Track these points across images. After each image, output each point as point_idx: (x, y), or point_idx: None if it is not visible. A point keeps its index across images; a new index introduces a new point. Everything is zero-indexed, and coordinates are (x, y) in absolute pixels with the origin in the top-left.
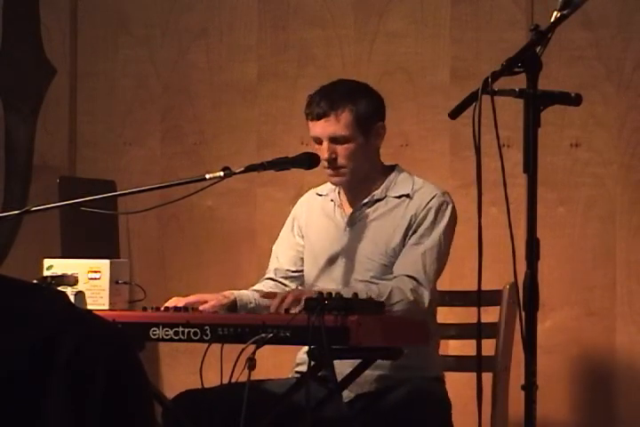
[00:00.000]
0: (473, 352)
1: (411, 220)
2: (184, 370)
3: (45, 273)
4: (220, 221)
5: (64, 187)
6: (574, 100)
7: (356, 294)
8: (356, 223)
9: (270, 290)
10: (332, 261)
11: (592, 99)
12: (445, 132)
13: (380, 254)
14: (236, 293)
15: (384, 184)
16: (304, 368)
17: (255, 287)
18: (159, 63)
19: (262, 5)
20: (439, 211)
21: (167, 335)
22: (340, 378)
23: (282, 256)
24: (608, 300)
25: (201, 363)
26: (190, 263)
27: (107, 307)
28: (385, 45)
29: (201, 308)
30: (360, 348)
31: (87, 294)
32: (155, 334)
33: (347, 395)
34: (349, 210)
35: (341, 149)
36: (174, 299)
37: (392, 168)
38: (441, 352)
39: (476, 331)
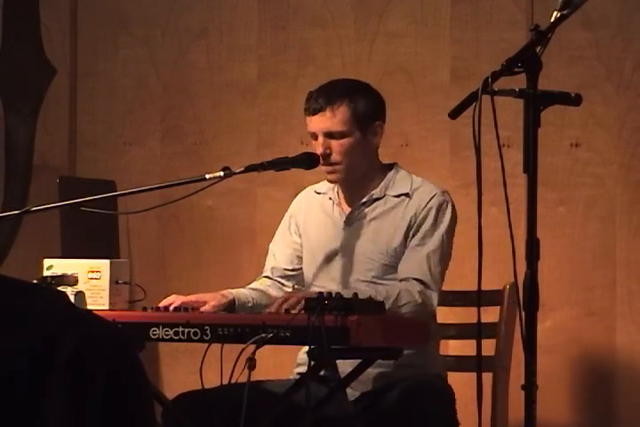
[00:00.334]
0: (473, 352)
1: (411, 220)
2: (184, 370)
3: (45, 273)
4: (219, 221)
5: (64, 187)
6: (574, 100)
7: (356, 294)
8: (354, 222)
9: (267, 288)
10: (330, 259)
11: (592, 99)
12: (445, 133)
13: (381, 254)
14: (234, 292)
15: (383, 183)
16: (304, 368)
17: (252, 286)
18: (159, 63)
19: (262, 5)
20: (439, 211)
21: (167, 335)
22: (343, 374)
23: (278, 255)
24: (608, 300)
25: (201, 363)
26: (190, 263)
27: (107, 307)
28: (385, 45)
29: (202, 309)
30: (360, 348)
31: (87, 294)
32: (155, 334)
33: (351, 393)
34: (348, 209)
35: (336, 145)
36: (173, 296)
37: (390, 167)
38: (441, 352)
39: (476, 331)
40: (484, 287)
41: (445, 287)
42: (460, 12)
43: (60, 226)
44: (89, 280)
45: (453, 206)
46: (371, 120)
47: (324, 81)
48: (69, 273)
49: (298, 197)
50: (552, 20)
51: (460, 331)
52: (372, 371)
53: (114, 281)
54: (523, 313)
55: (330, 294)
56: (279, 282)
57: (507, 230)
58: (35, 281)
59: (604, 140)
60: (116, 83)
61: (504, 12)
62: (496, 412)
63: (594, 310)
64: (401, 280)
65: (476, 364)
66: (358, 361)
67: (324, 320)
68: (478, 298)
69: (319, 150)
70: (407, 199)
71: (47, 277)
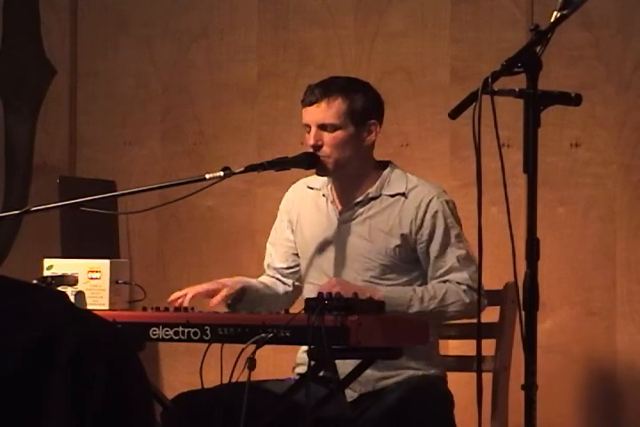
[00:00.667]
0: (473, 352)
1: (412, 223)
2: (184, 370)
3: (45, 273)
4: (219, 221)
5: (64, 187)
6: (574, 100)
7: (356, 294)
8: (350, 221)
9: (269, 282)
10: (325, 257)
11: (592, 99)
12: (445, 132)
13: (379, 254)
14: (245, 279)
15: (378, 182)
16: (304, 368)
17: (260, 279)
18: (159, 63)
19: (262, 5)
20: (445, 214)
21: (167, 335)
22: (341, 378)
23: (274, 253)
24: (608, 300)
25: (201, 363)
26: (190, 263)
27: (107, 307)
28: (385, 45)
29: (214, 300)
30: (360, 348)
31: (87, 294)
32: (155, 334)
33: (350, 395)
34: (342, 207)
35: (328, 138)
36: (186, 289)
37: (385, 165)
38: (441, 352)
39: (476, 331)
40: (484, 287)
41: None
42: (459, 11)
43: (60, 226)
44: (89, 280)
45: (453, 203)
46: (366, 117)
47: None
48: (69, 273)
49: (289, 192)
50: (552, 20)
51: (460, 331)
52: (370, 372)
53: (114, 281)
54: (523, 313)
55: (330, 294)
56: (279, 280)
57: (507, 230)
58: (35, 281)
59: (604, 140)
60: (116, 83)
61: (504, 12)
62: (496, 412)
63: (594, 310)
64: (443, 281)
65: (476, 364)
66: (358, 361)
67: (324, 320)
68: (478, 298)
69: (310, 142)
70: (403, 199)
71: (47, 277)
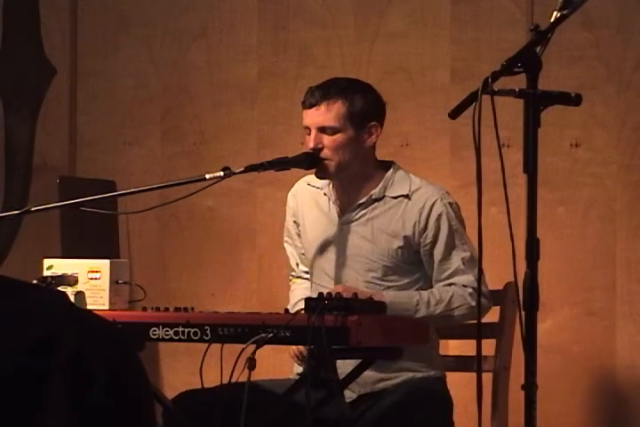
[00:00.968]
0: (473, 352)
1: (414, 226)
2: (184, 370)
3: (45, 273)
4: (219, 221)
5: (64, 187)
6: (574, 100)
7: (356, 294)
8: (352, 222)
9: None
10: (327, 257)
11: (592, 99)
12: (445, 132)
13: (381, 255)
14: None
15: (381, 184)
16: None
17: (303, 291)
18: (159, 63)
19: (262, 5)
20: (450, 216)
21: (167, 335)
22: (341, 378)
23: (292, 256)
24: (608, 300)
25: (201, 363)
26: (190, 263)
27: (107, 307)
28: (385, 45)
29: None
30: (360, 348)
31: (87, 293)
32: (155, 334)
33: (349, 395)
34: (344, 207)
35: (328, 141)
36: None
37: (388, 166)
38: (441, 352)
39: (476, 331)
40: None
41: None
42: (459, 12)
43: (60, 226)
44: (89, 280)
45: (457, 205)
46: (366, 120)
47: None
48: (69, 273)
49: (292, 191)
50: (552, 20)
51: (460, 331)
52: (370, 373)
53: (114, 281)
54: (523, 313)
55: (330, 293)
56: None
57: (507, 230)
58: (35, 281)
59: (604, 141)
60: (116, 83)
61: (504, 11)
62: (496, 412)
63: (594, 310)
64: (448, 284)
65: (476, 364)
66: (358, 362)
67: (324, 320)
68: (478, 298)
69: (310, 144)
70: (406, 201)
71: (47, 277)
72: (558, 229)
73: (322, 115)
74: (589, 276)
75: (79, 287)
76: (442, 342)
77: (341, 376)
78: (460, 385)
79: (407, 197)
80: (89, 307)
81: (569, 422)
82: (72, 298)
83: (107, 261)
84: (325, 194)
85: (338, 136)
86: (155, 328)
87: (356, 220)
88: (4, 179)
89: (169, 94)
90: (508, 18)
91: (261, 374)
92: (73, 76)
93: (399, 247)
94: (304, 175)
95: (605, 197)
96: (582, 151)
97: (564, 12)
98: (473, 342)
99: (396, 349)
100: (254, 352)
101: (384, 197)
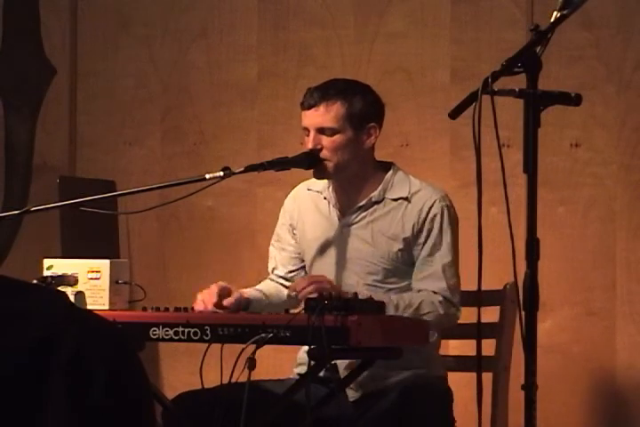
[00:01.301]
0: (473, 352)
1: (413, 227)
2: (184, 370)
3: (45, 273)
4: (219, 221)
5: (64, 187)
6: (574, 100)
7: (356, 294)
8: (353, 224)
9: (271, 290)
10: (328, 260)
11: (592, 99)
12: (445, 132)
13: (382, 258)
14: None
15: (381, 186)
16: (304, 368)
17: (258, 287)
18: (159, 63)
19: (262, 5)
20: (443, 218)
21: (167, 335)
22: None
23: (278, 257)
24: (608, 300)
25: (201, 363)
26: (190, 263)
27: (107, 307)
28: (385, 45)
29: (225, 302)
30: (360, 348)
31: (87, 293)
32: (155, 334)
33: (352, 395)
34: (344, 210)
35: (327, 142)
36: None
37: (387, 167)
38: (441, 352)
39: (476, 331)
40: (483, 287)
41: None
42: (459, 12)
43: (60, 226)
44: (89, 280)
45: (454, 210)
46: (364, 121)
47: (324, 81)
48: (69, 273)
49: (291, 195)
50: (552, 20)
51: (460, 331)
52: (371, 372)
53: (114, 281)
54: (523, 313)
55: (330, 294)
56: (282, 284)
57: (507, 230)
58: (35, 281)
59: (604, 141)
60: (116, 83)
61: (504, 11)
62: (496, 412)
63: (594, 310)
64: (420, 290)
65: (476, 364)
66: (358, 362)
67: (324, 320)
68: (478, 298)
69: (309, 146)
70: (406, 203)
71: (47, 277)
72: (558, 229)
73: (320, 115)
74: (589, 276)
75: (79, 287)
76: (442, 342)
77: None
78: (460, 385)
79: (407, 199)
80: (89, 307)
81: (569, 422)
82: (72, 298)
83: (107, 261)
84: (325, 198)
85: (337, 137)
86: (155, 328)
87: (357, 222)
88: (4, 179)
89: (169, 94)
90: (508, 18)
91: (261, 374)
92: (73, 76)
93: (399, 250)
94: (304, 175)
95: (605, 197)
96: (582, 151)
97: (564, 12)
98: (473, 342)
99: (395, 349)
100: (254, 352)
101: (384, 199)
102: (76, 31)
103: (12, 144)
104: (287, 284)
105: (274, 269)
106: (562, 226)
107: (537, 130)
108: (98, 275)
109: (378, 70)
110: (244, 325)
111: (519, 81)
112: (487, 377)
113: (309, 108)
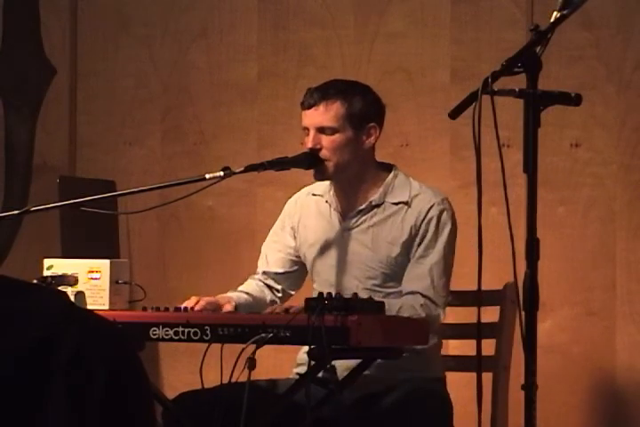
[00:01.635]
0: (473, 352)
1: (411, 231)
2: (184, 370)
3: (45, 273)
4: (219, 221)
5: (64, 187)
6: (574, 100)
7: (356, 294)
8: (353, 228)
9: (255, 292)
10: (328, 264)
11: (592, 99)
12: (445, 132)
13: (381, 262)
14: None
15: (381, 189)
16: (304, 368)
17: (241, 288)
18: (159, 63)
19: (262, 5)
20: (440, 221)
21: (167, 335)
22: (340, 378)
23: (270, 257)
24: (608, 300)
25: (201, 363)
26: (190, 263)
27: (107, 307)
28: (385, 45)
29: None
30: (360, 348)
31: (87, 293)
32: (155, 334)
33: (348, 396)
34: (346, 213)
35: (327, 141)
36: (195, 298)
37: (388, 169)
38: (441, 352)
39: (476, 331)
40: (483, 287)
41: None
42: (459, 12)
43: (60, 226)
44: (89, 280)
45: (453, 214)
46: (364, 121)
47: (324, 81)
48: (69, 273)
49: (293, 199)
50: (552, 20)
51: (460, 331)
52: (370, 374)
53: (114, 281)
54: (523, 313)
55: (330, 294)
56: (269, 286)
57: (506, 230)
58: (35, 281)
59: (604, 141)
60: (116, 83)
61: (504, 12)
62: (496, 412)
63: (594, 310)
64: (405, 294)
65: (476, 364)
66: (357, 362)
67: (324, 320)
68: (478, 298)
69: (309, 145)
70: (406, 207)
71: (47, 277)
72: (558, 229)
73: (320, 115)
74: (589, 276)
75: (79, 287)
76: (442, 342)
77: (340, 377)
78: (460, 385)
79: (407, 203)
80: (89, 307)
81: (569, 423)
82: (72, 298)
83: (107, 261)
84: (327, 201)
85: (336, 136)
86: (155, 328)
87: (357, 226)
88: (4, 179)
89: (169, 94)
90: (508, 18)
91: (261, 374)
92: (73, 76)
93: (398, 255)
94: (304, 175)
95: (605, 197)
96: (582, 151)
97: (564, 12)
98: (473, 342)
99: (395, 349)
100: (254, 352)
101: (384, 202)
102: (76, 31)
103: (12, 144)
104: (275, 285)
105: (263, 269)
106: (562, 226)
107: (537, 130)
108: (98, 275)
109: (378, 70)
110: (244, 325)
111: (519, 81)
112: (487, 377)
113: (309, 107)
